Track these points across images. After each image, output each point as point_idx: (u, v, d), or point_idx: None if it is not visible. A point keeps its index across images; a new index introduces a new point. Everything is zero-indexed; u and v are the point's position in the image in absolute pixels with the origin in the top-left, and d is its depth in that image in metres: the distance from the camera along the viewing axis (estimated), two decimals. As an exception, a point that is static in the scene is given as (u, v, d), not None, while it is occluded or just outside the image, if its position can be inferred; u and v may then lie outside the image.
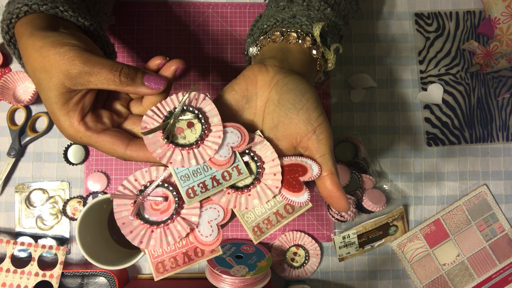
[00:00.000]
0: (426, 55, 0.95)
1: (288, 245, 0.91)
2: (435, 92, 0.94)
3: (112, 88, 0.52)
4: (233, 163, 0.51)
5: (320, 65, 0.63)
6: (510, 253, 0.94)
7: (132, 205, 0.51)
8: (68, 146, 0.89)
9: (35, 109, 0.91)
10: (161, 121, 0.52)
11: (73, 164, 0.89)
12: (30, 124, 0.89)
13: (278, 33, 0.62)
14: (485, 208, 0.94)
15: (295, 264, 0.90)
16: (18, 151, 0.89)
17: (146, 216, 0.51)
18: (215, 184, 0.51)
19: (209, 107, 0.52)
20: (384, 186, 0.93)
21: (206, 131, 0.51)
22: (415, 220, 0.94)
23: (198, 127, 0.52)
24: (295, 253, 0.91)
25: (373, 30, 0.95)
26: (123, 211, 0.51)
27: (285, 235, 0.91)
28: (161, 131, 0.51)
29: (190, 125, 0.52)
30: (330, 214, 0.89)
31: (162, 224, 0.50)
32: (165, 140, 0.50)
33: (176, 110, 0.52)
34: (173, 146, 0.50)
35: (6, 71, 0.90)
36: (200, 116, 0.52)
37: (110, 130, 0.55)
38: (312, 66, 0.63)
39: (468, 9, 0.96)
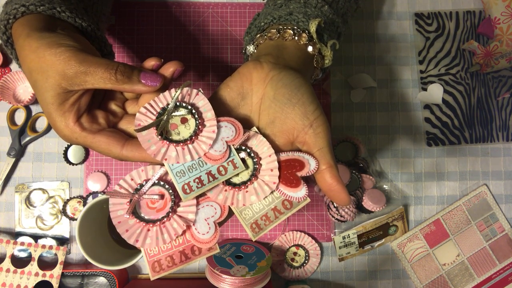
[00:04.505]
0: (426, 55, 0.95)
1: (288, 245, 0.91)
2: (435, 92, 0.94)
3: (108, 87, 0.52)
4: (228, 158, 0.51)
5: (317, 61, 0.64)
6: (510, 253, 0.93)
7: (128, 204, 0.51)
8: (68, 146, 0.89)
9: (35, 109, 0.91)
10: (154, 118, 0.52)
11: (73, 164, 0.89)
12: (30, 124, 0.89)
13: (275, 30, 0.63)
14: (485, 208, 0.94)
15: (295, 264, 0.90)
16: (18, 151, 0.89)
17: (142, 214, 0.51)
18: (211, 179, 0.51)
19: (202, 102, 0.52)
20: (384, 186, 0.93)
21: (200, 126, 0.51)
22: (415, 220, 0.94)
23: (192, 122, 0.52)
24: (295, 253, 0.91)
25: (373, 30, 0.95)
26: (119, 210, 0.51)
27: (285, 235, 0.90)
28: (155, 127, 0.51)
29: (183, 120, 0.52)
30: (330, 214, 0.89)
31: (158, 222, 0.50)
32: (159, 136, 0.50)
33: (169, 106, 0.52)
34: (168, 143, 0.51)
35: (6, 71, 0.90)
36: (194, 111, 0.52)
37: (106, 130, 0.55)
38: (308, 63, 0.63)
39: (468, 9, 0.96)
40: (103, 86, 0.52)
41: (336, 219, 0.88)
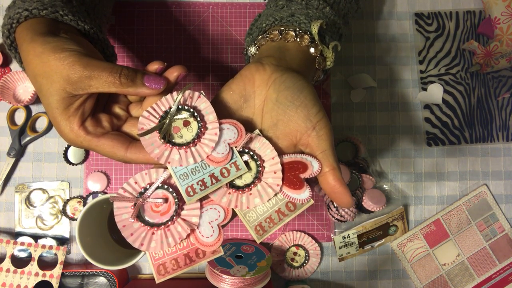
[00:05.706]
0: (426, 55, 0.95)
1: (288, 245, 0.91)
2: (435, 92, 0.94)
3: (113, 90, 0.52)
4: (230, 160, 0.52)
5: (319, 63, 0.64)
6: (510, 253, 0.94)
7: (132, 207, 0.51)
8: (68, 146, 0.89)
9: (35, 109, 0.91)
10: (157, 121, 0.52)
11: (73, 164, 0.89)
12: (30, 124, 0.89)
13: (276, 32, 0.63)
14: (485, 208, 0.94)
15: (295, 264, 0.90)
16: (18, 151, 0.88)
17: (147, 218, 0.51)
18: (214, 181, 0.51)
19: (204, 105, 0.53)
20: (384, 186, 0.93)
21: (202, 129, 0.51)
22: (415, 220, 0.94)
23: (194, 125, 0.52)
24: (295, 253, 0.91)
25: (373, 30, 0.95)
26: (123, 214, 0.51)
27: (285, 235, 0.91)
28: (157, 131, 0.51)
29: (186, 123, 0.52)
30: (330, 214, 0.89)
31: (163, 226, 0.50)
32: (162, 140, 0.51)
33: (171, 109, 0.52)
34: (170, 146, 0.51)
35: (6, 71, 0.90)
36: (196, 114, 0.52)
37: (110, 133, 0.55)
38: (310, 64, 0.63)
39: (468, 9, 0.96)
40: (108, 90, 0.52)
41: (336, 219, 0.88)
